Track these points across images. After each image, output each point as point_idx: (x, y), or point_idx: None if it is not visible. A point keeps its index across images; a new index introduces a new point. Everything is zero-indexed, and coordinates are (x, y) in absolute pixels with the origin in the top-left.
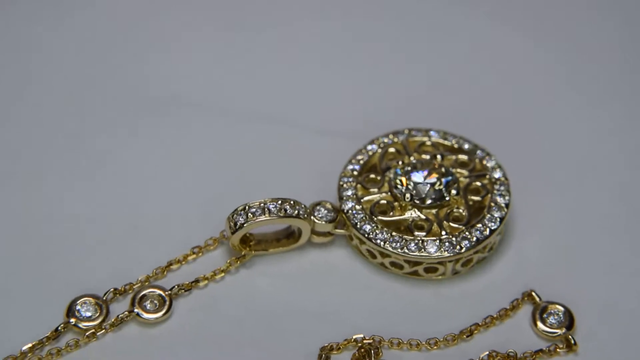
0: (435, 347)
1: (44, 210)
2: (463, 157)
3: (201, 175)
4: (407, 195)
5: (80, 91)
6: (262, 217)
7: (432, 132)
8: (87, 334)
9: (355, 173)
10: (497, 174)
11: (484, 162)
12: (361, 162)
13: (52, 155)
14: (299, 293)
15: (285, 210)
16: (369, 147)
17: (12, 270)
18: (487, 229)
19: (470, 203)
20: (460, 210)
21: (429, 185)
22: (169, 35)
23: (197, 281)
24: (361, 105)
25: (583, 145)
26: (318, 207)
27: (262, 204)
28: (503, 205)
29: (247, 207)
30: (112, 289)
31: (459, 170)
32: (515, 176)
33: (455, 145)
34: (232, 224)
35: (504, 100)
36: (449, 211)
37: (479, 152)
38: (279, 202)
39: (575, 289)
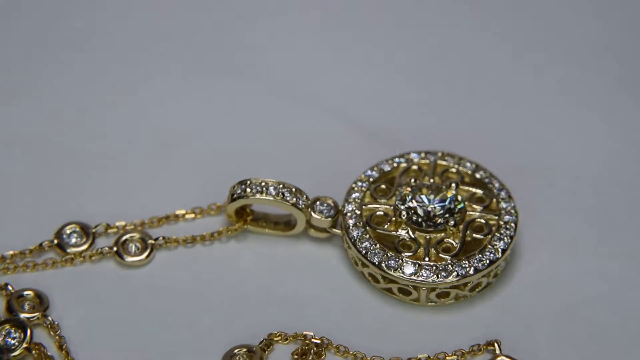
0: None
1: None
2: (479, 191)
3: (237, 142)
4: (404, 212)
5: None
6: (258, 195)
7: (467, 163)
8: (65, 257)
9: (370, 180)
10: (506, 218)
11: (501, 203)
12: (381, 170)
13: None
14: (275, 278)
15: (283, 195)
16: (397, 160)
17: (25, 185)
18: (472, 268)
19: (468, 239)
20: (453, 242)
21: (430, 208)
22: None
23: (185, 240)
24: (415, 116)
25: None
26: (319, 202)
27: (263, 183)
28: (500, 249)
29: (249, 182)
30: (104, 223)
31: (473, 205)
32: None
33: (483, 180)
34: (230, 194)
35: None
36: (441, 239)
37: (503, 192)
38: (281, 186)
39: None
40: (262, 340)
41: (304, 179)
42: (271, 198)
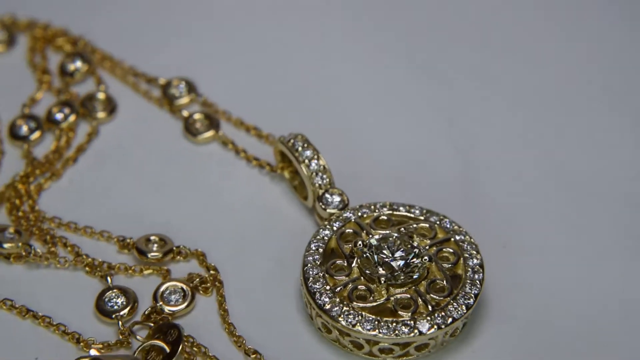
0: None
1: None
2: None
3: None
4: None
5: None
6: (292, 154)
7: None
8: None
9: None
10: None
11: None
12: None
13: None
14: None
15: (309, 167)
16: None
17: None
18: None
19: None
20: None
21: (400, 261)
22: None
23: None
24: None
25: None
26: (329, 195)
27: (313, 152)
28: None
29: (304, 141)
30: None
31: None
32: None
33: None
34: (289, 137)
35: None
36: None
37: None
38: (320, 163)
39: None
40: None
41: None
42: (297, 164)
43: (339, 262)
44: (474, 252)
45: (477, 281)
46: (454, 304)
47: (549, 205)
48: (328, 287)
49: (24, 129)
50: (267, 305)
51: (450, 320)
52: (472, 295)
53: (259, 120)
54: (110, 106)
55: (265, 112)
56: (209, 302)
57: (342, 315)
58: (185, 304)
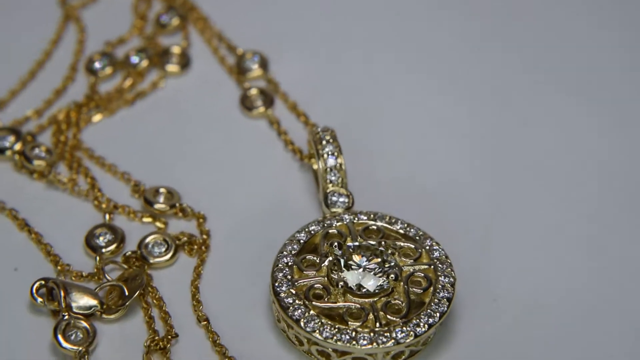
0: None
1: None
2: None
3: None
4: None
5: None
6: (316, 145)
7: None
8: None
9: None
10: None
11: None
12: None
13: None
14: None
15: (326, 162)
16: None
17: None
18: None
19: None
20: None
21: (367, 272)
22: None
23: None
24: None
25: None
26: (337, 194)
27: (336, 148)
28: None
29: (331, 136)
30: None
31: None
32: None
33: (401, 231)
34: (319, 128)
35: None
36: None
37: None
38: (338, 162)
39: None
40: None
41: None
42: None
43: (310, 257)
44: (449, 286)
45: (438, 313)
46: (405, 328)
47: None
48: (290, 277)
49: (97, 64)
50: (238, 281)
51: (391, 342)
52: (426, 325)
53: (312, 110)
54: (183, 62)
55: (320, 105)
56: (189, 264)
57: (290, 308)
58: (166, 257)
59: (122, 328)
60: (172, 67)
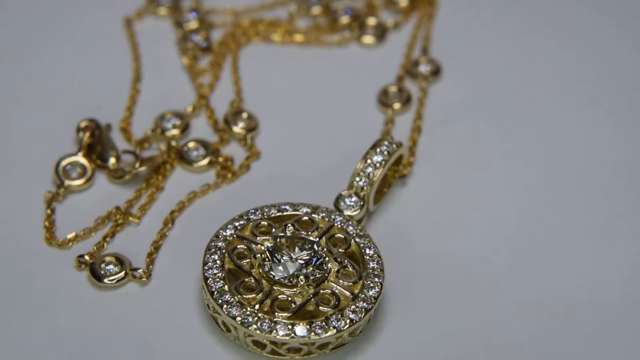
0: None
1: None
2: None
3: None
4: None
5: None
6: (375, 146)
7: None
8: None
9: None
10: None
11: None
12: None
13: None
14: None
15: (365, 164)
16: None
17: None
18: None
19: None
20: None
21: (299, 264)
22: None
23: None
24: None
25: None
26: (352, 196)
27: (382, 163)
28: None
29: (391, 149)
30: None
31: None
32: None
33: (280, 214)
34: (391, 138)
35: None
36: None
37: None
38: (374, 173)
39: None
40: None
41: None
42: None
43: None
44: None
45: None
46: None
47: None
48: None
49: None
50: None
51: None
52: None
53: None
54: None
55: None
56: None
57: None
58: (201, 163)
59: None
60: (367, 38)
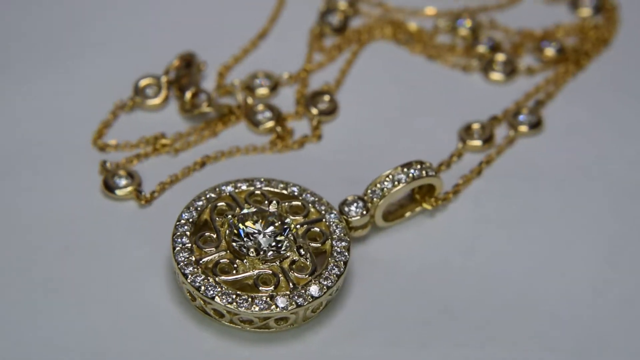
0: None
1: None
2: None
3: None
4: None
5: None
6: (406, 165)
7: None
8: None
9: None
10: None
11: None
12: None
13: None
14: None
15: (388, 176)
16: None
17: None
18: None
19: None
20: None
21: (267, 236)
22: None
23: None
24: None
25: None
26: (357, 203)
27: (405, 181)
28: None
29: (419, 169)
30: None
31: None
32: None
33: (284, 192)
34: (424, 163)
35: None
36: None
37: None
38: (391, 188)
39: None
40: None
41: None
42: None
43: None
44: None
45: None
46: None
47: None
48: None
49: None
50: None
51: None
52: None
53: None
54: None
55: None
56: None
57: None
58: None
59: None
60: (494, 74)
